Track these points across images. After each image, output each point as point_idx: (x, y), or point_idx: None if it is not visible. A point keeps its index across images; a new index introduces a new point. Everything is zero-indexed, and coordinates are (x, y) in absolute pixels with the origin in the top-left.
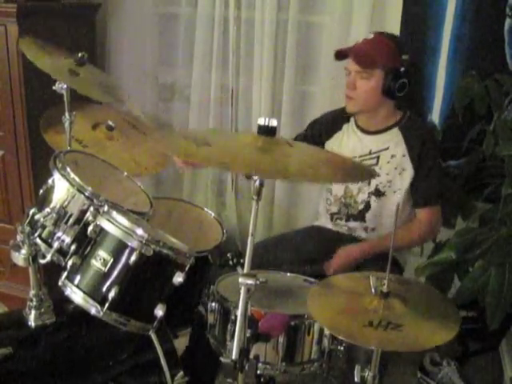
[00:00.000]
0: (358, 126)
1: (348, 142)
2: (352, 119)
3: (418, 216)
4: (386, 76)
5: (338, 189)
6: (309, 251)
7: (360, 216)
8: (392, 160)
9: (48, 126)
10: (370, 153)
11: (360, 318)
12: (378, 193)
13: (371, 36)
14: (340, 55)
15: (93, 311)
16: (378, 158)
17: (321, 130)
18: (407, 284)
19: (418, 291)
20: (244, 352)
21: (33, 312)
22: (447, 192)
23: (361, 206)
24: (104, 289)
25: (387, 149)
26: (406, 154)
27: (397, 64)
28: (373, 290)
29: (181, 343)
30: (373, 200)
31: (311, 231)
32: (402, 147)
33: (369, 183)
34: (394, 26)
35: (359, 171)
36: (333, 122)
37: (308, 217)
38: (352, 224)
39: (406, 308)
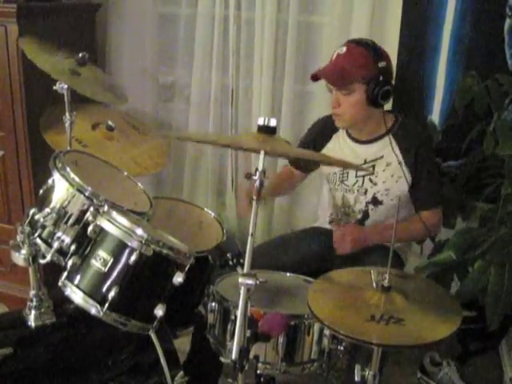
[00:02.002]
0: (349, 136)
1: (341, 153)
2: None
3: (420, 216)
4: (367, 87)
5: (336, 198)
6: (310, 252)
7: (359, 224)
8: (388, 168)
9: (48, 126)
10: (365, 162)
11: (361, 312)
12: (376, 201)
13: (344, 50)
14: (315, 78)
15: (93, 311)
16: (374, 166)
17: (314, 140)
18: (408, 278)
19: (419, 285)
20: (244, 352)
21: (33, 312)
22: (447, 192)
23: (359, 216)
24: (104, 289)
25: (382, 157)
26: (401, 160)
27: (375, 73)
28: (374, 285)
29: (181, 343)
30: (370, 209)
31: (311, 232)
32: (397, 154)
33: (365, 193)
34: (393, 26)
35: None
36: (322, 133)
37: (308, 217)
38: None
39: (407, 302)
